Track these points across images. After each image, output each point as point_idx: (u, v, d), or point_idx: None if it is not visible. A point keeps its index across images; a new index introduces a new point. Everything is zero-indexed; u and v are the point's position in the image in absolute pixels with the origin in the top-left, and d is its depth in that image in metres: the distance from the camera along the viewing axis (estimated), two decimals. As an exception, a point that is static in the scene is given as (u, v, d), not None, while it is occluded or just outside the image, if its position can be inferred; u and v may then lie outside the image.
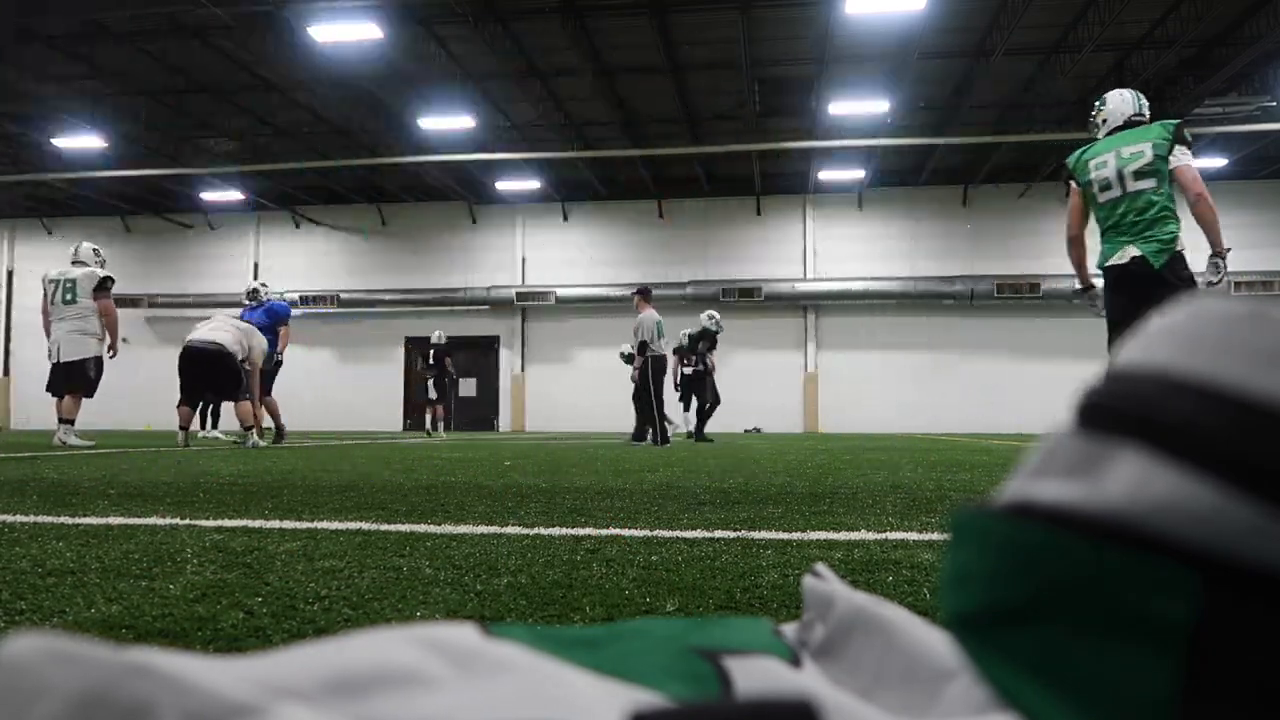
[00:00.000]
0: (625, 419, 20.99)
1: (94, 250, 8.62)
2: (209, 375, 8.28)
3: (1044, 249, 20.74)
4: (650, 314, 10.76)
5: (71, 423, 8.11)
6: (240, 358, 8.35)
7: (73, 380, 8.18)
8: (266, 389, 9.38)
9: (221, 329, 8.41)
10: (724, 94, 16.45)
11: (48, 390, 8.28)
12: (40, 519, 2.42)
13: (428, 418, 15.48)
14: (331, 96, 15.30)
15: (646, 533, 2.15)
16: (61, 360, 8.13)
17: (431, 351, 15.20)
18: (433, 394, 15.18)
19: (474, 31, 13.32)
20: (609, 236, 22.26)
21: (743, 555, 1.80)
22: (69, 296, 8.21)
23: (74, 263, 8.46)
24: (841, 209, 21.50)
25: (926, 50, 14.09)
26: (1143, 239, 4.55)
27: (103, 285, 8.30)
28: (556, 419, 21.80)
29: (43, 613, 1.25)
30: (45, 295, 8.30)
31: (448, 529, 2.22)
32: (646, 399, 10.67)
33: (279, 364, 9.97)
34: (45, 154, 19.54)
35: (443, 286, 22.28)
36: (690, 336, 13.34)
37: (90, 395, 8.31)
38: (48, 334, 8.26)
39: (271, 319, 9.88)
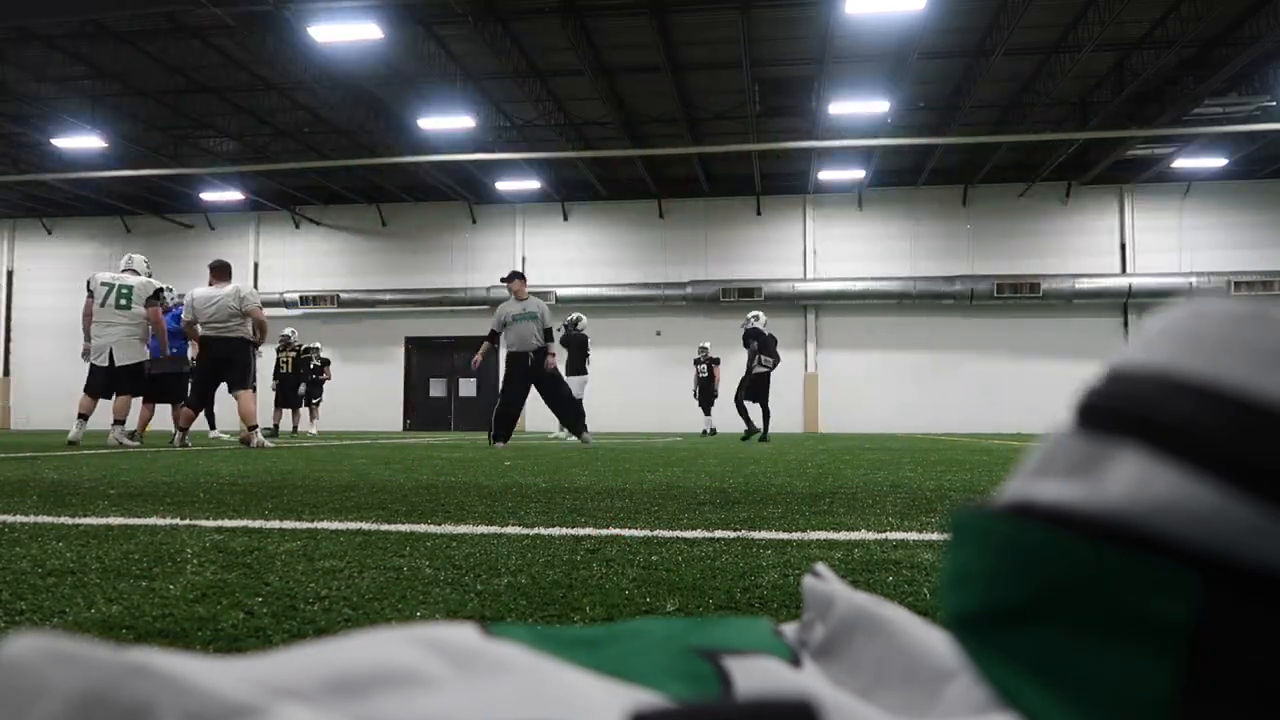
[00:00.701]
0: (626, 419, 21.05)
1: (145, 261, 8.92)
2: (226, 364, 8.41)
3: (1044, 249, 20.75)
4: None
5: (124, 423, 8.44)
6: (248, 337, 8.48)
7: (129, 383, 8.47)
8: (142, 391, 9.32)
9: (225, 314, 8.45)
10: (724, 94, 16.45)
11: (89, 392, 8.39)
12: (40, 519, 2.42)
13: (298, 418, 15.87)
14: (331, 96, 15.30)
15: (646, 533, 2.15)
16: (118, 364, 8.36)
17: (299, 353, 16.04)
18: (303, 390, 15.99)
19: (474, 31, 13.32)
20: (609, 236, 22.26)
21: (743, 555, 1.80)
22: (123, 302, 8.42)
23: (125, 270, 8.69)
24: (841, 209, 21.50)
25: (926, 50, 14.09)
26: None
27: (157, 295, 8.61)
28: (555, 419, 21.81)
29: (43, 613, 1.25)
30: (92, 296, 8.41)
31: (448, 529, 2.21)
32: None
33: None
34: (45, 154, 19.54)
35: (443, 286, 22.29)
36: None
37: (139, 395, 8.71)
38: (88, 335, 8.41)
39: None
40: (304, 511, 2.61)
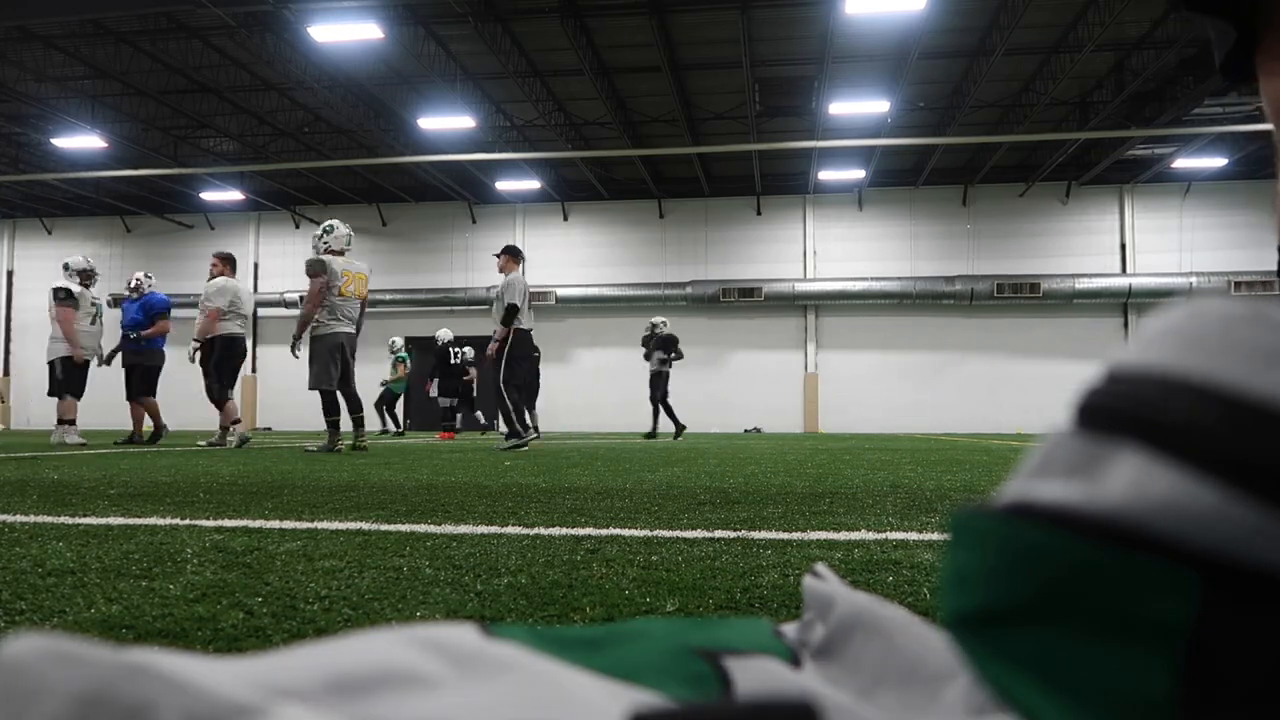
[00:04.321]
0: (625, 419, 21.04)
1: (84, 260, 9.07)
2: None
3: (1044, 249, 20.75)
4: (519, 275, 8.03)
5: (70, 423, 8.57)
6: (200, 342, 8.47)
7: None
8: (150, 389, 9.12)
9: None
10: (724, 94, 16.44)
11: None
12: (40, 519, 2.42)
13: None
14: (331, 96, 15.30)
15: (646, 533, 2.15)
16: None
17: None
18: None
19: (474, 31, 13.32)
20: (609, 236, 22.26)
21: (743, 555, 1.80)
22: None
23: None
24: (841, 209, 21.50)
25: (926, 50, 14.09)
26: None
27: (62, 293, 8.66)
28: (556, 419, 21.80)
29: (43, 613, 1.25)
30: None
31: (448, 529, 2.21)
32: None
33: (161, 362, 9.39)
34: (45, 154, 19.53)
35: (443, 286, 22.28)
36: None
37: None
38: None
39: (146, 313, 9.13)
40: (304, 511, 2.60)
